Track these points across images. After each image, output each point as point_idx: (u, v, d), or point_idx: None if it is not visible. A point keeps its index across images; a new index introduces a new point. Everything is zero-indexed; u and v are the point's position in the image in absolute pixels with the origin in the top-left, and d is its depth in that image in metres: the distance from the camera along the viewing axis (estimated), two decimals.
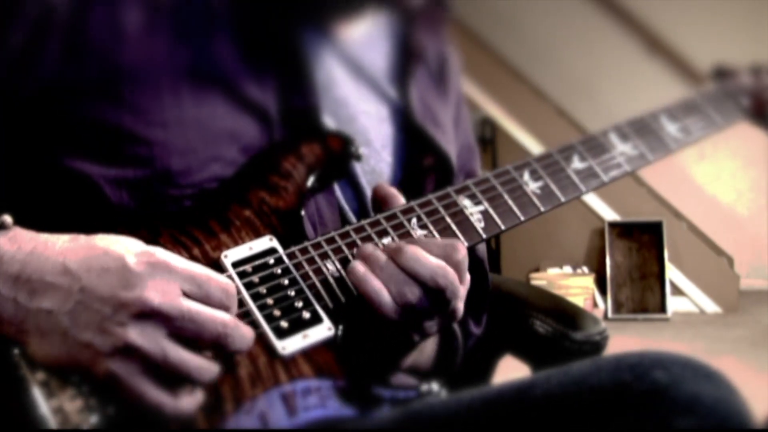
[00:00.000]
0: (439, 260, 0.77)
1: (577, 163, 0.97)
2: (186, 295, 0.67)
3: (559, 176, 0.95)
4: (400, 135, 0.97)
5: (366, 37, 0.97)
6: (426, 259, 0.76)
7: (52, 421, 0.63)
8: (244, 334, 0.68)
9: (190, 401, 0.67)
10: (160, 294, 0.65)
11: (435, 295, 0.76)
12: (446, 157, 0.97)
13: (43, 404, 0.64)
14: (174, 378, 0.66)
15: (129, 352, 0.64)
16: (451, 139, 1.01)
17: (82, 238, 0.68)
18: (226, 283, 0.69)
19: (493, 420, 0.68)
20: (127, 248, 0.67)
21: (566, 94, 5.25)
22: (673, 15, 5.18)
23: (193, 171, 0.80)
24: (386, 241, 0.82)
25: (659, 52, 5.29)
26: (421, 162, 0.96)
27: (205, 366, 0.67)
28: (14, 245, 0.67)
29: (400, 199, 0.85)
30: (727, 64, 1.25)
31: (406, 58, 0.99)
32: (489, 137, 5.34)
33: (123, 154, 0.78)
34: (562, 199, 0.94)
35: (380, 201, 0.85)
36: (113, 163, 0.78)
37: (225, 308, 0.68)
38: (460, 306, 0.79)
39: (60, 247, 0.67)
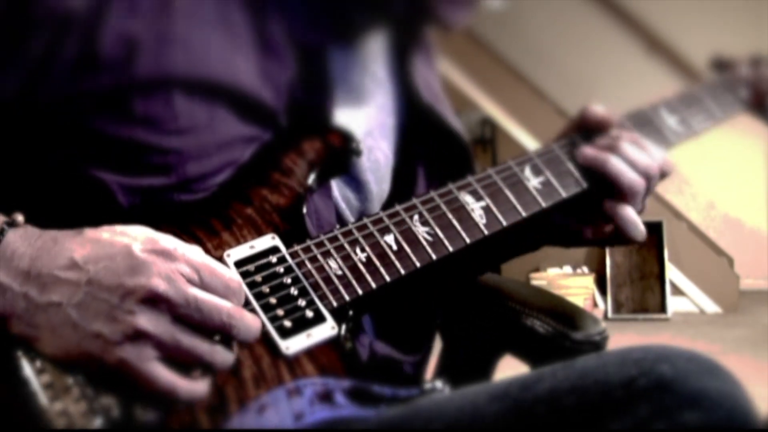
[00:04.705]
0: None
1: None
2: (190, 283, 0.67)
3: (560, 171, 0.95)
4: (398, 122, 0.97)
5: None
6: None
7: (56, 424, 0.64)
8: (250, 325, 0.69)
9: (203, 386, 0.67)
10: (165, 281, 0.65)
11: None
12: (457, 135, 0.98)
13: (47, 407, 0.64)
14: (185, 366, 0.67)
15: (139, 338, 0.64)
16: (453, 114, 1.01)
17: (88, 232, 0.69)
18: (230, 278, 0.70)
19: (499, 414, 0.68)
20: (132, 237, 0.68)
21: (566, 94, 5.25)
22: (673, 15, 5.18)
23: (207, 177, 0.80)
24: (389, 238, 0.83)
25: (659, 52, 5.29)
26: (413, 149, 0.97)
27: (217, 349, 0.68)
28: (25, 242, 0.68)
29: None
30: (726, 56, 1.24)
31: (407, 40, 0.99)
32: (489, 137, 5.34)
33: (139, 163, 0.79)
34: (564, 195, 0.94)
35: (593, 124, 0.98)
36: (129, 172, 0.79)
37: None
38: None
39: (68, 243, 0.68)
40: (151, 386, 0.65)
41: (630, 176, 0.93)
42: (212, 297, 0.68)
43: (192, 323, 0.67)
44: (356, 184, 0.92)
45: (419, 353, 0.97)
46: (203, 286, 0.68)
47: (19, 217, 0.70)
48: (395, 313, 0.94)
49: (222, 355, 0.68)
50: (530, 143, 5.13)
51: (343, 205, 0.90)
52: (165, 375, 0.65)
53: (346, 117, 0.91)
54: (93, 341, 0.64)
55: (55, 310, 0.65)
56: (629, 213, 0.93)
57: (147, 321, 0.64)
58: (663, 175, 0.97)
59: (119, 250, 0.67)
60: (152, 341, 0.65)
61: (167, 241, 0.69)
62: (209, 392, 0.68)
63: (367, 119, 0.93)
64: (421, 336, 0.98)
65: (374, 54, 0.97)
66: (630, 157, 0.94)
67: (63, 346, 0.65)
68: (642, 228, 0.94)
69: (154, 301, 0.65)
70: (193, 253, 0.70)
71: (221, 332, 0.68)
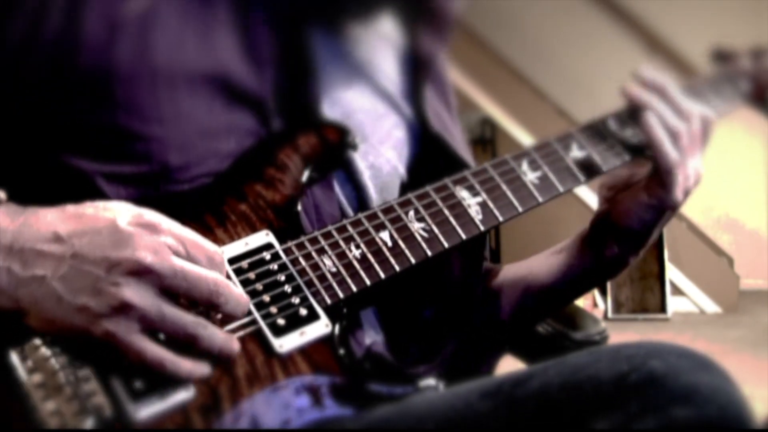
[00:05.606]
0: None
1: (576, 152, 0.96)
2: (175, 255, 0.67)
3: (558, 166, 0.94)
4: (412, 140, 0.97)
5: (372, 40, 0.97)
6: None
7: (48, 424, 0.63)
8: (237, 297, 0.69)
9: (191, 365, 0.67)
10: (152, 252, 0.65)
11: None
12: (466, 166, 0.97)
13: (39, 407, 0.64)
14: (176, 345, 0.67)
15: (125, 310, 0.64)
16: (463, 146, 1.01)
17: (70, 208, 0.69)
18: (213, 251, 0.70)
19: (491, 411, 0.68)
20: (116, 211, 0.68)
21: (566, 94, 5.25)
22: (672, 15, 5.18)
23: (191, 166, 0.80)
24: (384, 235, 0.82)
25: (659, 52, 5.29)
26: (426, 168, 0.97)
27: (201, 322, 0.67)
28: (6, 218, 0.68)
29: None
30: (726, 47, 1.22)
31: (418, 69, 0.99)
32: (489, 137, 5.34)
33: (120, 151, 0.78)
34: (561, 189, 0.93)
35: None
36: (111, 160, 0.78)
37: None
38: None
39: (51, 218, 0.68)
40: (139, 358, 0.65)
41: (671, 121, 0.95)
42: (198, 267, 0.68)
43: (179, 294, 0.67)
44: (353, 186, 0.91)
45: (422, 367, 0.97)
46: (188, 258, 0.68)
47: (1, 194, 0.70)
48: (406, 332, 0.94)
49: (209, 330, 0.68)
50: (530, 143, 5.11)
51: (345, 202, 0.90)
52: (152, 347, 0.65)
53: (330, 111, 0.90)
54: (78, 314, 0.64)
55: (38, 284, 0.65)
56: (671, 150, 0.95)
57: (133, 293, 0.64)
58: (705, 126, 0.99)
59: (104, 224, 0.67)
60: (138, 314, 0.65)
61: (151, 215, 0.69)
62: (198, 370, 0.68)
63: (359, 122, 0.92)
64: (427, 353, 0.98)
65: (374, 57, 0.97)
66: (673, 100, 0.95)
67: (48, 319, 0.65)
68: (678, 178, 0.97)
69: (140, 273, 0.65)
70: (177, 226, 0.70)
71: (208, 302, 0.68)
